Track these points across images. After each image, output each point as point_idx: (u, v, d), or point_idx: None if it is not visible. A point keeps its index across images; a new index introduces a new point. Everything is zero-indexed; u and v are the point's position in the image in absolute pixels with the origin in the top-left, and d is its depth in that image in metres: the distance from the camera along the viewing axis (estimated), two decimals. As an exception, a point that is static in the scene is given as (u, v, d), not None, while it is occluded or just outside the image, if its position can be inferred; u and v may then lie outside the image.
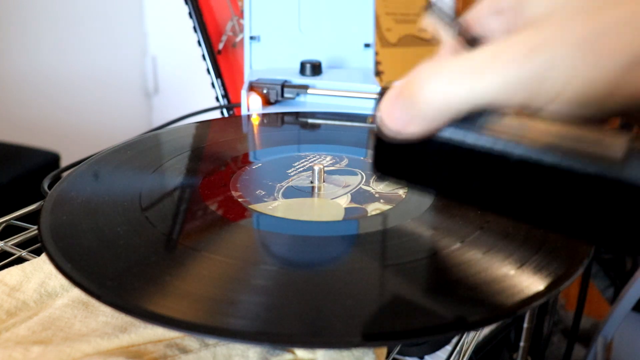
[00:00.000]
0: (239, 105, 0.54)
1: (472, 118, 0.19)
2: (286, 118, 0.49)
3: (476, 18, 0.22)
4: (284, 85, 0.51)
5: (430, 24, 0.22)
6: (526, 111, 0.18)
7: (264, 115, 0.50)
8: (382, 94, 0.21)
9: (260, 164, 0.39)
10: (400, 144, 0.21)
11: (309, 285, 0.24)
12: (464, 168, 0.20)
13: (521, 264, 0.26)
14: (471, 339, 0.32)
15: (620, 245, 0.18)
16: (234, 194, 0.34)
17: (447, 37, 0.22)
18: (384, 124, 0.21)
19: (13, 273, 0.29)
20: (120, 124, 1.69)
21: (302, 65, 0.54)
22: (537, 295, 0.24)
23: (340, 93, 0.51)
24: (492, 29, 0.21)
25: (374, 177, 0.36)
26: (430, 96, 0.19)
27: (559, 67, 0.17)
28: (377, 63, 0.59)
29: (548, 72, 0.17)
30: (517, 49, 0.17)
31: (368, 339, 0.21)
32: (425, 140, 0.20)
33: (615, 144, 0.17)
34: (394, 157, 0.22)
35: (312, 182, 0.36)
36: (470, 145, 0.19)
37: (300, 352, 0.24)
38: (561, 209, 0.19)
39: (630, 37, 0.16)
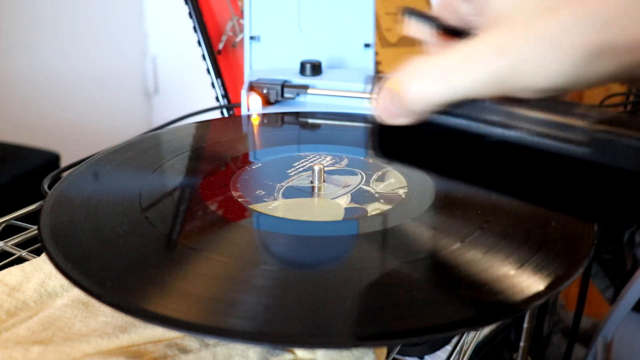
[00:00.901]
0: (239, 105, 0.54)
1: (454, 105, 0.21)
2: (286, 118, 0.49)
3: (448, 5, 0.24)
4: (284, 85, 0.51)
5: (410, 27, 0.25)
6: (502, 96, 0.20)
7: (264, 115, 0.50)
8: (373, 81, 0.24)
9: (260, 164, 0.39)
10: (396, 129, 0.23)
11: (309, 285, 0.24)
12: (450, 147, 0.23)
13: (521, 264, 0.26)
14: (471, 339, 0.32)
15: (599, 216, 0.20)
16: (234, 194, 0.34)
17: (427, 35, 0.25)
18: (379, 114, 0.23)
19: (13, 273, 0.29)
20: (120, 124, 1.69)
21: (302, 65, 0.54)
22: (537, 295, 0.24)
23: (340, 93, 0.51)
24: (463, 13, 0.24)
25: (374, 176, 0.36)
26: (414, 95, 0.21)
27: (525, 63, 0.19)
28: (377, 63, 0.59)
29: (516, 69, 0.19)
30: (487, 49, 0.19)
31: (368, 339, 0.21)
32: (417, 126, 0.23)
33: (581, 127, 0.19)
34: (392, 141, 0.25)
35: (312, 182, 0.36)
36: (452, 127, 0.22)
37: (300, 352, 0.24)
38: (540, 182, 0.21)
39: (584, 34, 0.18)
